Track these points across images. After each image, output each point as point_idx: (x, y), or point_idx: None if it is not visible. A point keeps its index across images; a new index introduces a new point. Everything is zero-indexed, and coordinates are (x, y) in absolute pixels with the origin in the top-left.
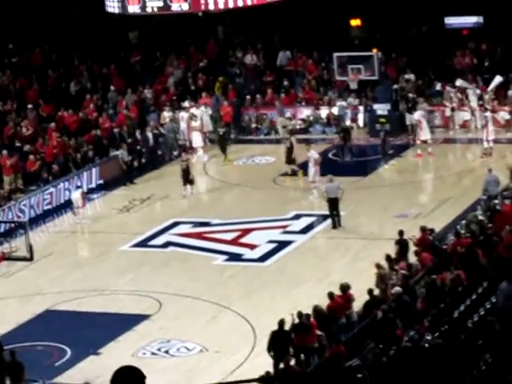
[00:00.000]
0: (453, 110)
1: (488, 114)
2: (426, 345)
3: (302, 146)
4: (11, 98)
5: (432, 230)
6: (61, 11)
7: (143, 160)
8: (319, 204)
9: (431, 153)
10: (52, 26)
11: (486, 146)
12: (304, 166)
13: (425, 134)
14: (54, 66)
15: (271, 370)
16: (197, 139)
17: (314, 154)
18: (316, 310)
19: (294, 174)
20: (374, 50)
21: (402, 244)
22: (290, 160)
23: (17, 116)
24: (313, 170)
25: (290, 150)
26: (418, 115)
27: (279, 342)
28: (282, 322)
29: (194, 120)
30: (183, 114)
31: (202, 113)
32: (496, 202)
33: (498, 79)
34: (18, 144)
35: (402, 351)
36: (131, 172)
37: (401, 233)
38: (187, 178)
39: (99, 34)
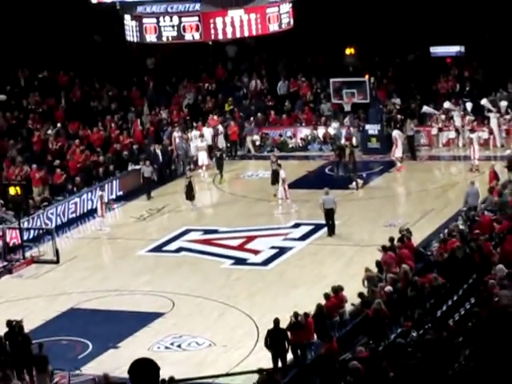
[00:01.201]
0: (440, 130)
1: (474, 134)
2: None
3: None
4: (40, 117)
5: (408, 231)
6: (85, 40)
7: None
8: (316, 214)
9: (400, 168)
10: (77, 52)
11: (473, 163)
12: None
13: (399, 151)
14: (78, 88)
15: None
16: (203, 158)
17: (282, 173)
18: (318, 307)
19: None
20: (366, 76)
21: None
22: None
23: (45, 133)
24: (281, 188)
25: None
26: (395, 133)
27: (275, 339)
28: (277, 321)
29: (200, 140)
30: (195, 133)
31: (212, 132)
32: (475, 213)
33: (425, 108)
34: (49, 158)
35: (395, 346)
36: (150, 187)
37: (391, 240)
38: (189, 194)
39: (119, 60)
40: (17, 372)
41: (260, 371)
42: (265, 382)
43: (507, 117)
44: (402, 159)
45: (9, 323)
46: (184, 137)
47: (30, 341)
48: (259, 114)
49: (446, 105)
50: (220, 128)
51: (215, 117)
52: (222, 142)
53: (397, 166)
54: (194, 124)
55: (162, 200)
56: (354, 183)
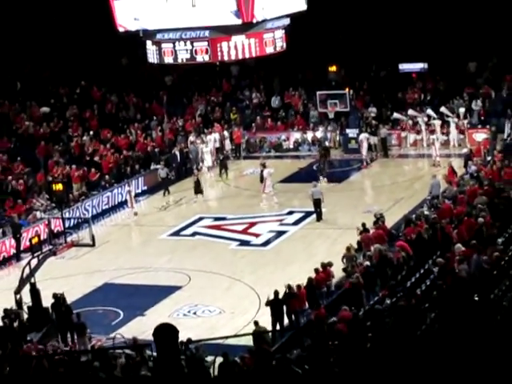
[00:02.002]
0: (403, 129)
1: (434, 135)
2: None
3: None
4: (78, 125)
5: (381, 215)
6: (114, 62)
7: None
8: (306, 203)
9: (365, 166)
10: (108, 72)
11: (434, 159)
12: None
13: (364, 151)
14: (109, 101)
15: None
16: (208, 160)
17: (270, 170)
18: (309, 280)
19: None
20: (346, 89)
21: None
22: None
23: (82, 139)
24: (269, 182)
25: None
26: (361, 137)
27: (275, 307)
28: (276, 293)
29: (205, 146)
30: (210, 137)
31: (219, 137)
32: (437, 201)
33: (395, 115)
34: (85, 159)
35: (373, 311)
36: (167, 184)
37: (363, 225)
38: (197, 189)
39: (143, 77)
40: (61, 336)
41: (256, 323)
42: (259, 332)
43: (465, 121)
44: (373, 159)
45: (54, 295)
46: (196, 141)
47: (71, 311)
48: (258, 121)
49: (410, 112)
50: (225, 133)
51: (219, 125)
52: (228, 145)
53: (363, 163)
54: (206, 130)
55: (179, 193)
56: (320, 179)
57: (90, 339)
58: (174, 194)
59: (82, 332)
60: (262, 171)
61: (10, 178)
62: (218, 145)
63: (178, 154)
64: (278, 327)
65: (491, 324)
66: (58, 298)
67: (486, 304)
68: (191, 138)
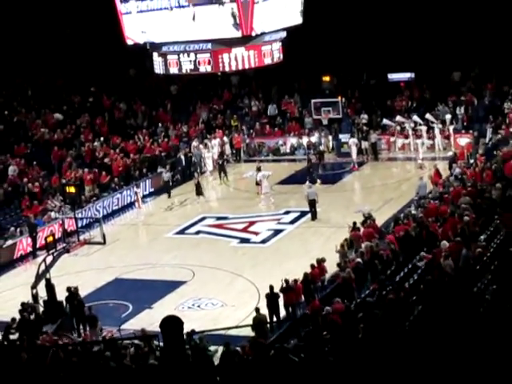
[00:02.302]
0: (393, 135)
1: (418, 140)
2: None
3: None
4: (89, 132)
5: (369, 215)
6: (123, 72)
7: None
8: (302, 204)
9: (355, 168)
10: (117, 82)
11: (419, 162)
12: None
13: (353, 155)
14: (118, 109)
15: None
16: (209, 164)
17: (265, 172)
18: (305, 275)
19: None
20: (339, 97)
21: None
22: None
23: (93, 144)
24: (265, 184)
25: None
26: (350, 141)
27: (271, 300)
28: (271, 287)
29: (207, 151)
30: (214, 142)
31: (220, 142)
32: (424, 201)
33: (385, 121)
34: (96, 163)
35: (365, 303)
36: (169, 188)
37: (354, 223)
38: (198, 191)
39: (150, 87)
40: (75, 328)
41: (257, 310)
42: (259, 319)
43: (450, 127)
44: (364, 162)
45: (68, 289)
46: (199, 146)
47: (83, 304)
48: (257, 127)
49: (397, 118)
50: (225, 139)
51: (220, 131)
52: (227, 150)
53: (352, 165)
54: (208, 136)
55: (184, 195)
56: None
57: (101, 330)
58: (179, 195)
59: (93, 324)
60: (257, 174)
61: (25, 180)
62: (219, 149)
63: (182, 158)
64: (274, 319)
65: (474, 316)
66: (72, 292)
67: (470, 297)
68: (194, 143)
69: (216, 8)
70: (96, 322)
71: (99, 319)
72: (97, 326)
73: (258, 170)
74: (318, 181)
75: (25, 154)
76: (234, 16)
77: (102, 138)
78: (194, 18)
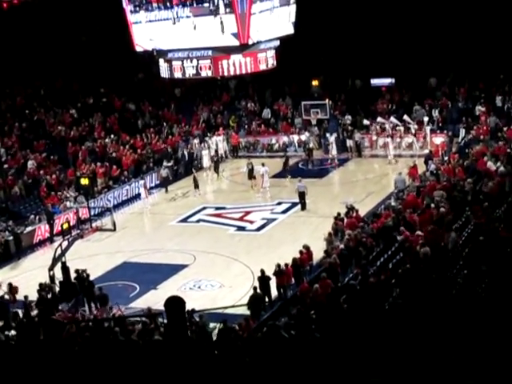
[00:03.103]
0: (377, 134)
1: (388, 139)
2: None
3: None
4: (102, 129)
5: (352, 206)
6: (132, 76)
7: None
8: (293, 195)
9: (335, 163)
10: (127, 85)
11: (389, 158)
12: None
13: (333, 151)
14: (128, 109)
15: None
16: (206, 161)
17: (267, 169)
18: (294, 260)
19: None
20: (327, 100)
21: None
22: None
23: (105, 140)
24: (266, 178)
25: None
26: (331, 139)
27: (262, 283)
28: (262, 271)
29: (204, 148)
30: (214, 139)
31: (218, 141)
32: (402, 194)
33: (393, 119)
34: (108, 158)
35: (349, 286)
36: (166, 183)
37: (338, 214)
38: (195, 184)
39: (156, 89)
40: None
41: (255, 288)
42: (256, 296)
43: (427, 127)
44: (348, 158)
45: (76, 270)
46: (199, 144)
47: (93, 285)
48: (253, 127)
49: (378, 119)
50: (221, 137)
51: (221, 129)
52: (224, 147)
53: (334, 161)
54: (209, 134)
55: (186, 187)
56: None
57: (110, 309)
58: (182, 188)
59: (103, 303)
60: (250, 169)
61: (42, 172)
62: (222, 146)
63: (186, 153)
64: (266, 299)
65: (448, 298)
66: (79, 273)
67: (444, 281)
68: (195, 140)
69: (212, 19)
70: (106, 301)
71: (109, 299)
72: (107, 304)
73: (262, 164)
74: (289, 176)
75: (44, 149)
76: (222, 24)
77: (112, 135)
78: (195, 28)
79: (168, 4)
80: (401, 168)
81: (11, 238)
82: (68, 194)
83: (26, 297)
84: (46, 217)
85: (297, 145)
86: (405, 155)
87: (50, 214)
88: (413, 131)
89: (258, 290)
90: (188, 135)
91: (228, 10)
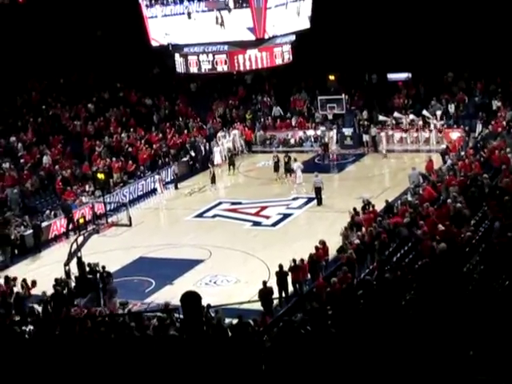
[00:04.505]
0: (392, 129)
1: (382, 133)
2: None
3: (298, 156)
4: (118, 124)
5: (368, 201)
6: (148, 71)
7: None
8: (309, 190)
9: (334, 158)
10: (143, 80)
11: (384, 152)
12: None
13: (333, 146)
14: (144, 104)
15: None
16: (218, 158)
17: (300, 164)
18: (310, 255)
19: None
20: (343, 95)
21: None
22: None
23: (121, 136)
24: (299, 174)
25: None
26: (331, 134)
27: (280, 278)
28: (281, 266)
29: (216, 144)
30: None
31: (234, 135)
32: (418, 189)
33: (425, 112)
34: (124, 153)
35: (365, 281)
36: (178, 181)
37: (355, 209)
38: (212, 180)
39: (172, 85)
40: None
41: (264, 283)
42: (265, 290)
43: (442, 122)
44: (367, 152)
45: (89, 265)
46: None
47: (112, 276)
48: (268, 122)
49: (395, 114)
50: (237, 132)
51: (238, 123)
52: (238, 142)
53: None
54: (224, 129)
55: (202, 181)
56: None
57: (127, 304)
58: (199, 181)
59: (111, 297)
60: (276, 162)
61: (57, 167)
62: (238, 141)
63: (202, 148)
64: (283, 295)
65: (464, 293)
66: (91, 267)
67: (460, 276)
68: (218, 134)
69: (227, 13)
70: (114, 293)
71: (126, 293)
72: (114, 297)
73: (295, 160)
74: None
75: (60, 144)
76: (216, 18)
77: (130, 130)
78: (217, 22)
79: None
80: (417, 163)
81: (27, 232)
82: (86, 189)
83: (44, 292)
84: (64, 211)
85: (313, 139)
86: (422, 150)
87: (68, 207)
88: (431, 127)
89: (269, 284)
90: (204, 130)
91: (244, 4)
